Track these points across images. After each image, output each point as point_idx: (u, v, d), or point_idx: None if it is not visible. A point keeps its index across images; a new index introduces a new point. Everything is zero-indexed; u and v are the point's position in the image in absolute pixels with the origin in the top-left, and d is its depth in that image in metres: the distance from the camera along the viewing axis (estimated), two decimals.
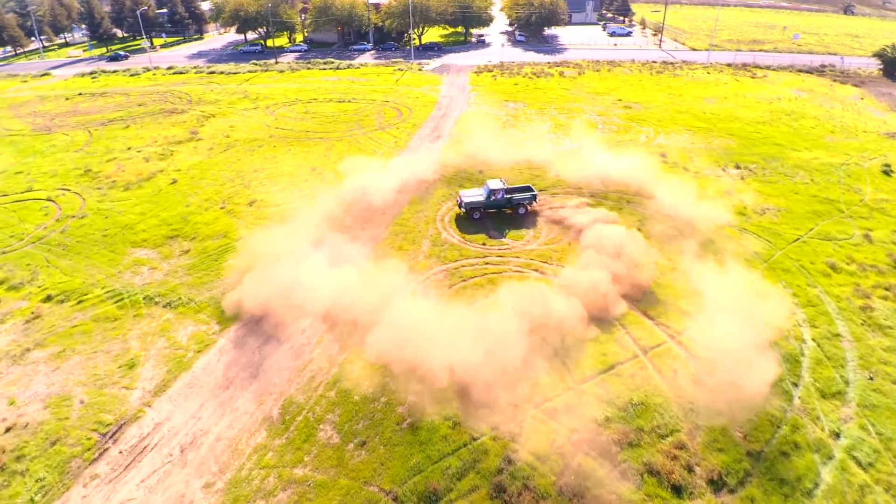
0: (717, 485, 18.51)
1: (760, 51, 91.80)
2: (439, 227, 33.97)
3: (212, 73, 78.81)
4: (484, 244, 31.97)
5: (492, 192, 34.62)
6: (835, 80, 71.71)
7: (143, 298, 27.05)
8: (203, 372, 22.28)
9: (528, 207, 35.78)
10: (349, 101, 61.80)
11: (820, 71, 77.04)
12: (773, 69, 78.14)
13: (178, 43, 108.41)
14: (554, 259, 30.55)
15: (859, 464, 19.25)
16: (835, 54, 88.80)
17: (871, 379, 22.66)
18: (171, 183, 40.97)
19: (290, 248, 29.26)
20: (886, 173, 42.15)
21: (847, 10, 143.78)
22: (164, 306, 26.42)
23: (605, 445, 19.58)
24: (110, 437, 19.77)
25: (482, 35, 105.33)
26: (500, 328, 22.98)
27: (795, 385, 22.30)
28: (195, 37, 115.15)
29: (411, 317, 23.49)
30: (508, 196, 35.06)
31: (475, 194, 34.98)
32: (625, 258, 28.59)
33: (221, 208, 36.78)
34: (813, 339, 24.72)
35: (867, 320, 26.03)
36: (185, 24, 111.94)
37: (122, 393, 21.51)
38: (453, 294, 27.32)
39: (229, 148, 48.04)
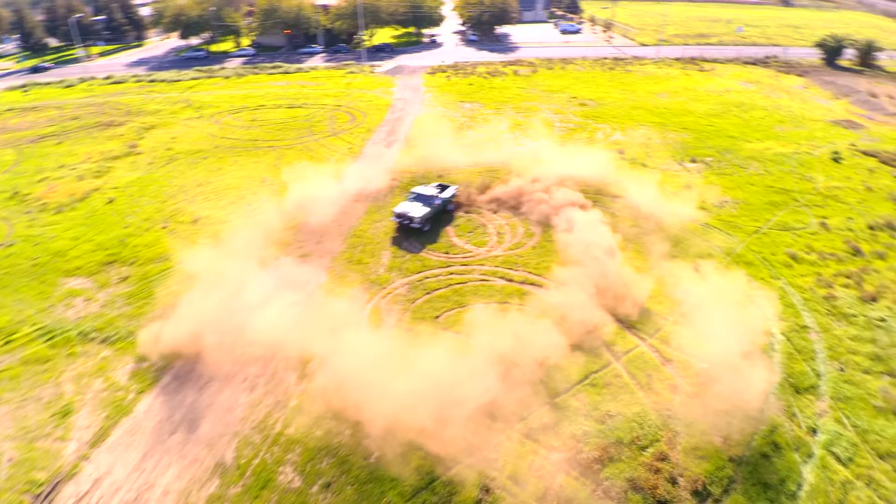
0: (701, 496, 17.86)
1: (707, 44, 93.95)
2: (399, 236, 32.55)
3: (152, 81, 75.03)
4: (447, 253, 30.77)
5: (429, 198, 33.34)
6: (779, 71, 73.81)
7: (78, 335, 24.63)
8: (146, 416, 20.24)
9: (454, 202, 35.41)
10: (299, 107, 59.60)
11: (765, 62, 79.22)
12: (721, 62, 79.90)
13: (117, 51, 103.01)
14: (520, 265, 29.62)
15: (839, 459, 18.95)
16: (777, 45, 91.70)
17: (841, 370, 22.57)
18: (108, 202, 38.13)
19: (238, 269, 27.28)
20: (836, 160, 43.13)
21: (786, 2, 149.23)
22: (101, 342, 24.10)
23: (586, 463, 18.68)
24: (44, 499, 17.62)
25: (434, 35, 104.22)
26: (466, 372, 20.97)
27: (770, 383, 21.95)
28: (135, 44, 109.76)
29: (364, 355, 21.52)
30: (442, 197, 34.22)
31: (415, 208, 32.59)
32: (612, 272, 27.13)
33: (163, 228, 34.34)
34: (782, 333, 24.55)
35: (832, 310, 26.10)
36: (124, 31, 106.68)
37: (56, 446, 19.30)
38: (417, 310, 25.99)
39: (171, 161, 45.31)
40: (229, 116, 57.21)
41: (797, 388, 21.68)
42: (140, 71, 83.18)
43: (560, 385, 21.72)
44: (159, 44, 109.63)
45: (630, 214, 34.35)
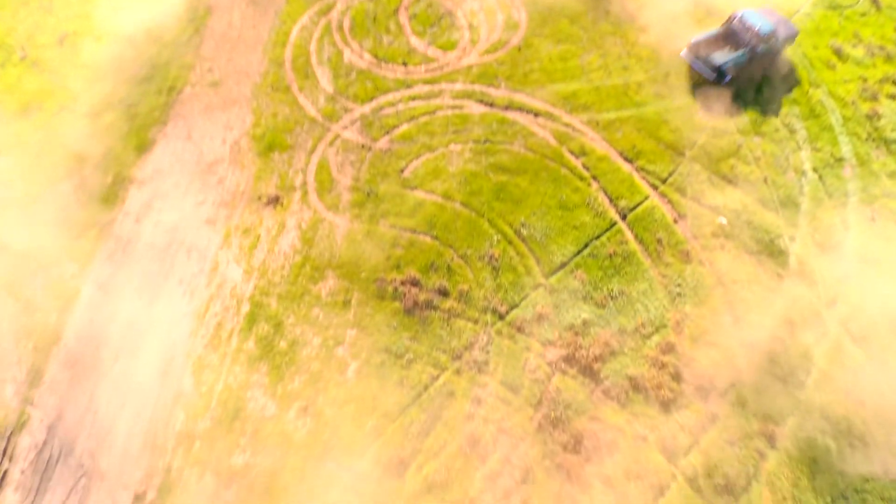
0: (705, 391, 16.59)
1: None
2: (338, 40, 24.24)
3: None
4: (405, 64, 23.46)
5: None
6: None
7: None
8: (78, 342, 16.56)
9: None
10: None
11: None
12: None
13: None
14: (501, 77, 23.08)
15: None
16: None
17: (873, 220, 19.76)
18: None
19: None
20: None
21: None
22: None
23: (585, 362, 16.71)
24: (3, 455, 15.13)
25: None
26: None
27: (792, 240, 19.20)
28: None
29: None
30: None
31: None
32: None
33: (22, 59, 24.83)
34: (814, 170, 20.81)
35: (872, 133, 21.91)
36: None
37: None
38: (376, 161, 20.62)
39: None
40: None
41: (823, 246, 19.03)
42: None
43: (555, 259, 18.52)
44: None
45: None
